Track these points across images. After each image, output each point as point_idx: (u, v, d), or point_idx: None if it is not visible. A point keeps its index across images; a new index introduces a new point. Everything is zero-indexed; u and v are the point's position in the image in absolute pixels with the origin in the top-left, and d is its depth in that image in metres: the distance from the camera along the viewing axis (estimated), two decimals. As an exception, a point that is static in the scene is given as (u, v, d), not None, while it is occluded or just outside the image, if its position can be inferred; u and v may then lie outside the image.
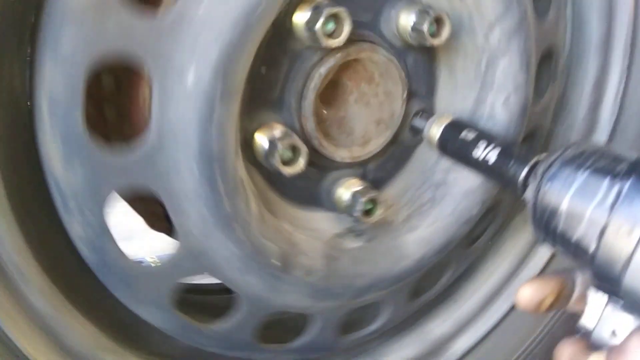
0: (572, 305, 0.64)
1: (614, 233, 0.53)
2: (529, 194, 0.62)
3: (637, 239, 0.52)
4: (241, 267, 0.66)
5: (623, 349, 0.53)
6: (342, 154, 0.73)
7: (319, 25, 0.62)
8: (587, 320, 0.58)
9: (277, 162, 0.64)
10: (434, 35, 0.71)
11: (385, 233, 0.77)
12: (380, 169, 0.79)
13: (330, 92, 0.71)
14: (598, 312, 0.56)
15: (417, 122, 0.78)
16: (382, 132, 0.75)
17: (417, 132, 0.79)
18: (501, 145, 0.70)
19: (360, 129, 0.74)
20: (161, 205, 0.63)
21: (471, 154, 0.71)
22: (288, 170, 0.65)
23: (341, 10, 0.62)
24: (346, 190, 0.73)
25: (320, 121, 0.70)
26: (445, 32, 0.71)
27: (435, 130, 0.75)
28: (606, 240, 0.53)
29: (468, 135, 0.72)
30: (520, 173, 0.65)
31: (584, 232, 0.55)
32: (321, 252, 0.72)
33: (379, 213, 0.72)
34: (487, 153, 0.70)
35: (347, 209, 0.73)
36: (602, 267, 0.54)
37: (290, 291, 0.71)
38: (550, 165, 0.60)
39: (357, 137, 0.74)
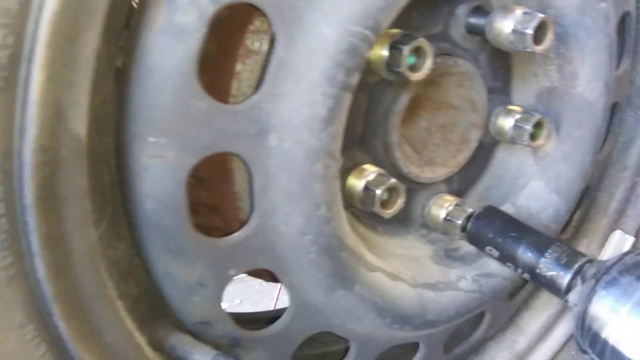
0: None
1: None
2: (574, 297, 0.59)
3: None
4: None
5: None
6: (427, 175, 0.69)
7: (402, 62, 0.56)
8: None
9: (376, 206, 0.61)
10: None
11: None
12: (464, 177, 0.75)
13: (412, 108, 0.67)
14: None
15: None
16: (470, 139, 0.72)
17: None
18: (540, 240, 0.65)
19: (446, 143, 0.70)
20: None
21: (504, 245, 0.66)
22: (387, 212, 0.62)
23: (424, 43, 0.57)
24: (439, 209, 0.71)
25: (406, 152, 0.67)
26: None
27: None
28: None
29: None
30: (565, 273, 0.61)
31: None
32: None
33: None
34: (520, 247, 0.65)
35: (443, 229, 0.71)
36: None
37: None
38: (606, 271, 0.56)
39: (445, 152, 0.70)
